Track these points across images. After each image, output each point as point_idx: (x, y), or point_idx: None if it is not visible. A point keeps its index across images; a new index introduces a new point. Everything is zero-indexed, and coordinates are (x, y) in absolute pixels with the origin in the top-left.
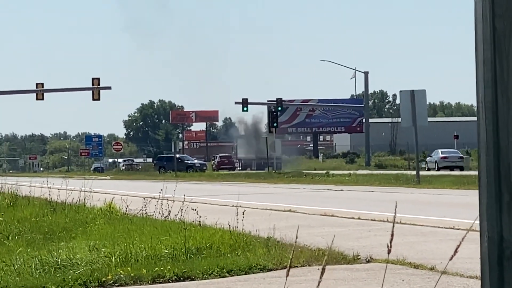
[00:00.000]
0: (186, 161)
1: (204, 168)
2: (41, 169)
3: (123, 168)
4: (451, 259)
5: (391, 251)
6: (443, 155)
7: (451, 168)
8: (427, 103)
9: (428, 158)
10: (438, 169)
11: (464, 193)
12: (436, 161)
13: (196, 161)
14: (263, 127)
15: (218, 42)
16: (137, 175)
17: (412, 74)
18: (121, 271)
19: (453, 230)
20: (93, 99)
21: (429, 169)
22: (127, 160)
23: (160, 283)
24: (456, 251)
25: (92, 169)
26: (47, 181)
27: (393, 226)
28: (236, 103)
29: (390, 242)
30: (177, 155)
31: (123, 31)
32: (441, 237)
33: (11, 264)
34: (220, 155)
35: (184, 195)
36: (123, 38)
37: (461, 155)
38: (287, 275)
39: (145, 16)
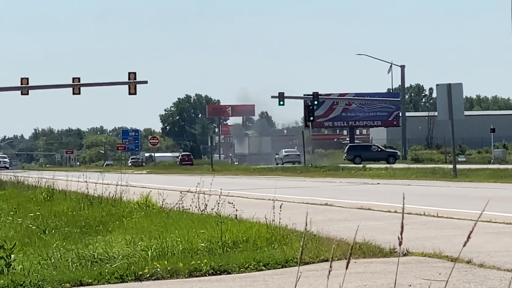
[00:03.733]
0: (386, 150)
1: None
2: (78, 163)
3: (130, 164)
4: (464, 245)
5: (428, 244)
6: (286, 154)
7: (293, 163)
8: (464, 96)
9: (276, 156)
10: (283, 164)
11: (501, 186)
12: (281, 158)
13: (392, 150)
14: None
15: (252, 37)
16: (174, 169)
17: (449, 67)
18: (157, 265)
19: (490, 224)
20: (130, 94)
21: (277, 164)
22: (134, 158)
23: (196, 276)
24: (469, 238)
25: (104, 165)
26: (84, 175)
27: (402, 217)
28: (272, 97)
29: (401, 234)
30: (369, 143)
31: (160, 25)
32: (478, 230)
33: (48, 258)
34: (182, 153)
35: (220, 189)
36: (160, 32)
37: (298, 153)
38: (299, 265)
39: (181, 12)
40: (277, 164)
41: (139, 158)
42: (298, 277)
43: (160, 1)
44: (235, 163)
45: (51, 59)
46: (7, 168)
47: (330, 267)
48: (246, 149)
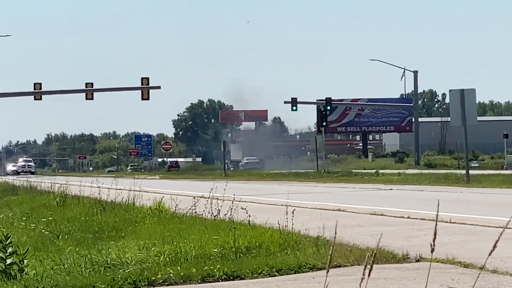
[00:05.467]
0: None
1: None
2: (91, 168)
3: (130, 170)
4: (490, 254)
5: (441, 250)
6: (246, 161)
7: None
8: (477, 102)
9: (240, 163)
10: (244, 169)
11: None
12: (243, 165)
13: None
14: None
15: (262, 41)
16: (187, 174)
17: (462, 73)
18: (170, 270)
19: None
20: (143, 99)
21: (241, 169)
22: (133, 164)
23: (209, 282)
24: (494, 247)
25: (107, 171)
26: (97, 181)
27: (436, 225)
28: (285, 102)
29: (433, 241)
30: None
31: (173, 31)
32: (491, 236)
33: (61, 263)
34: (170, 160)
35: (233, 195)
36: (173, 37)
37: (257, 160)
38: (327, 270)
39: (193, 18)
40: (241, 169)
41: (138, 165)
42: (326, 285)
43: (173, 7)
44: (231, 168)
45: (64, 64)
46: (33, 173)
47: (363, 275)
48: (241, 156)
